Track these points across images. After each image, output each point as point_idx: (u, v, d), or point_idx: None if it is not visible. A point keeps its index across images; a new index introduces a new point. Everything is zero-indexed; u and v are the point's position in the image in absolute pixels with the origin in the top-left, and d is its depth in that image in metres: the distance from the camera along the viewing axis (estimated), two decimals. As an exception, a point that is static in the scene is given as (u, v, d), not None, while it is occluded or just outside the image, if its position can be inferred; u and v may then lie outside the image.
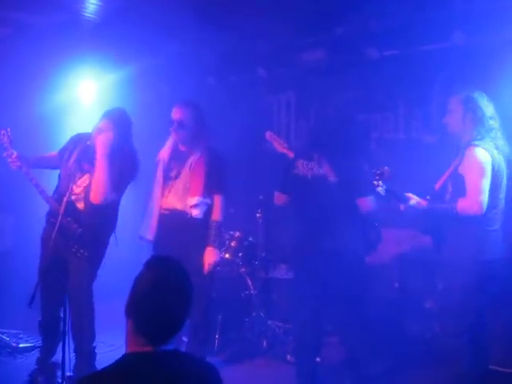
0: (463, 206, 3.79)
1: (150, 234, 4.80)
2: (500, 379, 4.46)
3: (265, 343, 5.71)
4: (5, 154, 4.49)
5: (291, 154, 4.95)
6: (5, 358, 5.44)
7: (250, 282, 6.04)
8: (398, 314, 5.50)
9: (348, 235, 4.24)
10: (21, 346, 5.63)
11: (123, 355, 2.08)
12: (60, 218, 4.30)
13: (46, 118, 6.77)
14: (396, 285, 5.61)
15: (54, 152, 4.91)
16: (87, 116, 7.08)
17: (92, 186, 4.51)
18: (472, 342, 3.86)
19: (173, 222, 4.73)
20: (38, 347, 5.52)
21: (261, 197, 6.09)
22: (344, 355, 5.33)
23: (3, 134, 4.51)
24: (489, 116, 3.97)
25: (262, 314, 5.88)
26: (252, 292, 6.01)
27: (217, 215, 4.75)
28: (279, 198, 4.80)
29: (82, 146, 4.62)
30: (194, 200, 4.68)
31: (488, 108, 4.00)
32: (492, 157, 3.84)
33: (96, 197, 4.47)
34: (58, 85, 6.94)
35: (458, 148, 4.05)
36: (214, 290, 4.95)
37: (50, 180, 4.82)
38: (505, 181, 3.91)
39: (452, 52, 5.52)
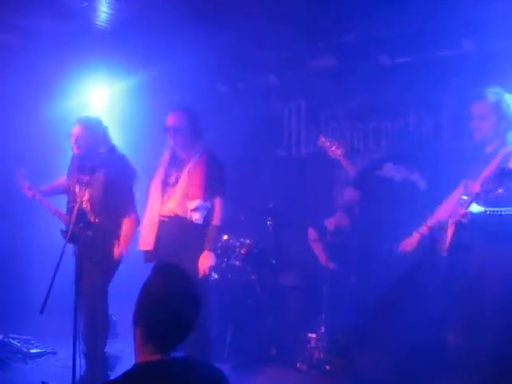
0: None
1: (150, 245, 4.73)
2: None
3: (274, 351, 5.69)
4: (19, 187, 5.01)
5: (345, 162, 4.95)
6: (16, 363, 5.47)
7: (259, 289, 6.03)
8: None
9: None
10: (32, 351, 5.66)
11: (134, 365, 2.08)
12: (71, 226, 4.34)
13: (58, 125, 6.80)
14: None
15: (63, 176, 5.11)
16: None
17: (92, 206, 4.73)
18: None
19: (173, 228, 4.68)
20: (49, 353, 5.58)
21: (271, 205, 6.09)
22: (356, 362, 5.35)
23: (19, 172, 5.02)
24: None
25: (271, 321, 5.87)
26: (262, 299, 6.00)
27: (217, 220, 4.69)
28: (351, 194, 4.84)
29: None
30: (193, 203, 4.64)
31: None
32: None
33: (97, 217, 4.73)
34: (70, 92, 6.98)
35: (476, 151, 4.13)
36: (219, 295, 4.89)
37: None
38: None
39: (463, 59, 5.51)
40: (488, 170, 4.02)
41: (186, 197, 4.66)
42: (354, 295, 5.38)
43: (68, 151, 5.12)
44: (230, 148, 6.92)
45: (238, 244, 6.04)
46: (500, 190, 3.90)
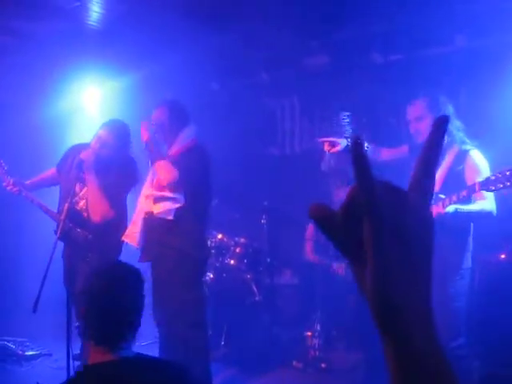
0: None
1: (136, 242, 4.53)
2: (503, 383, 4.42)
3: (269, 349, 5.69)
4: (4, 184, 4.75)
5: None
6: (11, 365, 5.45)
7: (255, 288, 6.03)
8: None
9: None
10: (27, 353, 5.64)
11: (82, 366, 2.09)
12: (61, 224, 4.33)
13: (50, 125, 6.80)
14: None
15: (52, 169, 4.97)
16: (91, 122, 7.12)
17: (89, 206, 4.58)
18: None
19: (147, 223, 4.47)
20: (44, 355, 5.57)
21: (265, 203, 6.08)
22: (351, 360, 5.35)
23: (0, 169, 4.77)
24: (452, 113, 4.01)
25: (266, 319, 5.87)
26: (257, 298, 6.00)
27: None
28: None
29: (78, 157, 4.64)
30: (147, 191, 4.44)
31: (450, 106, 4.06)
32: None
33: (94, 216, 4.56)
34: (62, 92, 6.97)
35: None
36: (214, 294, 4.71)
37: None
38: None
39: (456, 55, 5.51)
40: (442, 172, 3.93)
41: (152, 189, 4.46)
42: (349, 292, 5.37)
43: (61, 150, 5.11)
44: (224, 147, 6.92)
45: (232, 243, 6.04)
46: None
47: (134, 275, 2.23)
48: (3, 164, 4.79)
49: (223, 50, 6.52)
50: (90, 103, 7.41)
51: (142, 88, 6.96)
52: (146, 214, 4.45)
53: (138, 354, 2.15)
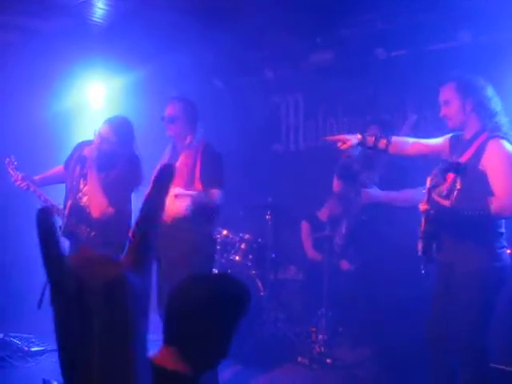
0: (500, 206, 3.40)
1: None
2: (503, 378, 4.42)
3: (274, 345, 5.69)
4: (12, 180, 4.75)
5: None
6: (17, 362, 5.45)
7: (260, 284, 6.04)
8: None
9: None
10: (32, 349, 5.65)
11: None
12: (65, 220, 4.36)
13: (56, 121, 6.81)
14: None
15: (60, 166, 4.99)
16: (96, 119, 7.13)
17: (89, 202, 4.59)
18: None
19: (165, 219, 4.33)
20: (50, 351, 5.57)
21: (270, 199, 6.09)
22: (356, 356, 5.37)
23: (8, 162, 4.78)
24: (489, 97, 3.62)
25: (272, 315, 5.88)
26: (262, 293, 6.01)
27: (211, 195, 4.41)
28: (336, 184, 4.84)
29: (82, 153, 4.65)
30: (174, 190, 4.35)
31: (486, 89, 3.67)
32: None
33: (94, 212, 4.55)
34: (67, 89, 6.99)
35: (460, 142, 3.76)
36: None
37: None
38: None
39: (460, 51, 5.51)
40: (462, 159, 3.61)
41: (173, 186, 4.38)
42: (354, 288, 5.38)
43: (66, 148, 5.12)
44: (228, 143, 6.92)
45: (237, 239, 6.06)
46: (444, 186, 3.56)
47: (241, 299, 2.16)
48: (13, 159, 4.79)
49: (227, 47, 6.53)
50: (94, 100, 7.42)
51: (147, 84, 6.98)
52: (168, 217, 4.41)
53: None
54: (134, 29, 5.89)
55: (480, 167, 3.50)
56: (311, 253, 6.30)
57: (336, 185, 5.38)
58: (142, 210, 0.79)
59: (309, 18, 5.81)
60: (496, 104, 3.65)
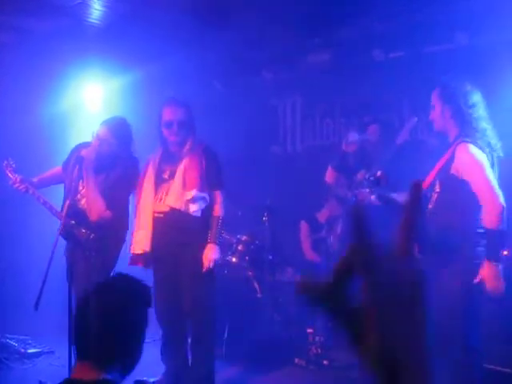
0: (489, 218, 3.49)
1: (147, 246, 4.55)
2: (499, 379, 4.41)
3: (271, 346, 5.69)
4: (10, 183, 4.71)
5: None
6: (13, 363, 5.45)
7: (256, 286, 6.04)
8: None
9: None
10: (29, 351, 5.65)
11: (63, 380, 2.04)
12: (62, 221, 4.37)
13: (52, 123, 6.81)
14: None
15: (58, 167, 4.99)
16: (93, 121, 7.12)
17: (86, 204, 4.60)
18: None
19: (170, 224, 4.51)
20: (46, 352, 5.57)
21: (267, 201, 6.08)
22: (353, 358, 5.36)
23: (6, 165, 4.76)
24: (470, 104, 3.68)
25: (268, 317, 5.88)
26: (259, 295, 6.01)
27: (218, 210, 4.55)
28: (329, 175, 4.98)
29: (80, 155, 4.65)
30: (190, 194, 4.46)
31: (469, 96, 3.70)
32: (486, 154, 3.58)
33: (91, 215, 4.56)
34: (63, 90, 6.98)
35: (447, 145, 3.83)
36: (217, 291, 4.70)
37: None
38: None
39: (456, 53, 5.52)
40: (437, 165, 3.76)
41: (184, 189, 4.50)
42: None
43: (63, 148, 5.12)
44: (226, 145, 6.90)
45: (234, 240, 6.05)
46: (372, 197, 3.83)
47: (140, 293, 2.13)
48: (11, 162, 4.77)
49: (225, 49, 6.53)
50: (91, 101, 7.41)
51: (144, 86, 6.97)
52: (162, 212, 4.51)
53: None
54: (131, 30, 5.89)
55: (452, 172, 3.62)
56: (309, 254, 6.30)
57: (329, 176, 5.36)
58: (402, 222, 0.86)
59: (306, 19, 5.81)
60: (477, 111, 3.70)
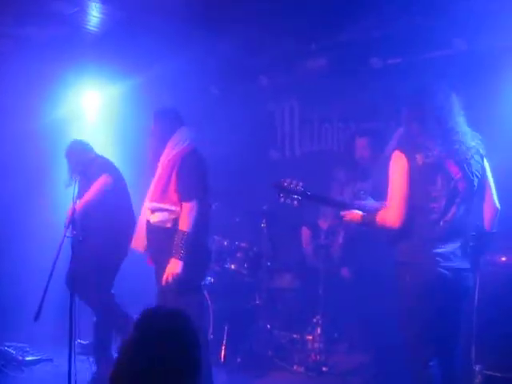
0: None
1: (139, 246, 4.62)
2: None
3: (271, 353, 5.68)
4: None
5: None
6: (11, 371, 5.43)
7: (255, 293, 6.03)
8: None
9: None
10: (27, 359, 5.62)
11: None
12: (64, 230, 4.43)
13: (49, 130, 6.81)
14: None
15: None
16: (91, 127, 7.13)
17: None
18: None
19: (149, 231, 4.52)
20: (44, 360, 5.56)
21: (265, 207, 6.07)
22: (353, 364, 5.36)
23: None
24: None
25: (267, 324, 5.87)
26: (258, 302, 6.00)
27: (182, 225, 4.29)
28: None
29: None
30: (151, 204, 4.46)
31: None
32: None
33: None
34: (62, 97, 6.98)
35: None
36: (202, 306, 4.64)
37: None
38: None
39: (454, 59, 5.52)
40: None
41: (149, 200, 4.52)
42: (349, 296, 5.37)
43: (61, 154, 5.32)
44: (224, 150, 6.92)
45: (233, 247, 6.04)
46: None
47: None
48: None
49: (222, 55, 6.54)
50: (89, 108, 7.42)
51: (142, 93, 6.98)
52: (147, 222, 4.52)
53: None
54: (129, 37, 5.89)
55: None
56: (311, 260, 6.27)
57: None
58: None
59: (304, 25, 5.81)
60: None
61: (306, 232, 6.42)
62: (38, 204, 4.85)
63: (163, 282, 4.28)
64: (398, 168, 3.52)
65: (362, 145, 5.13)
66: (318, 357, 5.48)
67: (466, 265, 3.51)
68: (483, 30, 5.09)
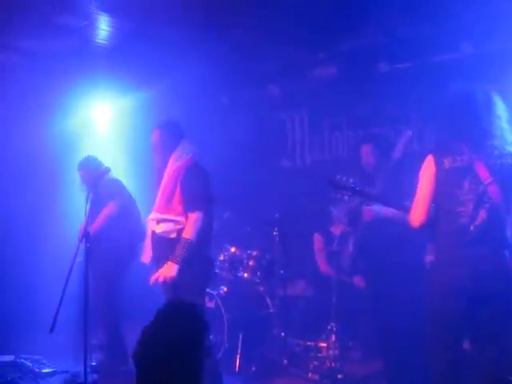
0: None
1: (145, 257, 4.67)
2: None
3: (285, 361, 5.67)
4: None
5: None
6: (27, 383, 5.45)
7: (268, 301, 6.02)
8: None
9: None
10: (43, 371, 5.65)
11: None
12: (78, 242, 4.47)
13: (60, 143, 6.87)
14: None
15: None
16: (101, 139, 7.18)
17: None
18: None
19: (154, 242, 4.58)
20: (60, 372, 5.59)
21: (277, 215, 6.08)
22: (367, 371, 5.33)
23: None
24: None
25: (281, 332, 5.86)
26: (271, 310, 6.00)
27: (187, 233, 4.32)
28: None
29: None
30: (152, 215, 4.55)
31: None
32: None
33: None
34: (72, 110, 7.04)
35: None
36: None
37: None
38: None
39: (463, 62, 5.52)
40: None
41: (154, 211, 4.58)
42: (363, 303, 5.36)
43: (71, 166, 5.38)
44: (234, 159, 6.95)
45: (245, 256, 6.04)
46: None
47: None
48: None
49: (232, 64, 6.56)
50: (100, 121, 7.47)
51: (152, 105, 7.01)
52: (152, 233, 4.57)
53: None
54: (138, 49, 5.93)
55: None
56: (324, 267, 6.26)
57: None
58: None
59: (312, 33, 5.83)
60: None
61: (318, 239, 6.41)
62: (49, 215, 4.90)
63: (150, 281, 4.37)
64: (426, 172, 3.58)
65: (366, 151, 5.12)
66: (333, 364, 5.45)
67: (497, 268, 3.47)
68: (490, 33, 5.09)
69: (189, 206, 4.39)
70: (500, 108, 3.59)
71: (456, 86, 3.78)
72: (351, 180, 4.13)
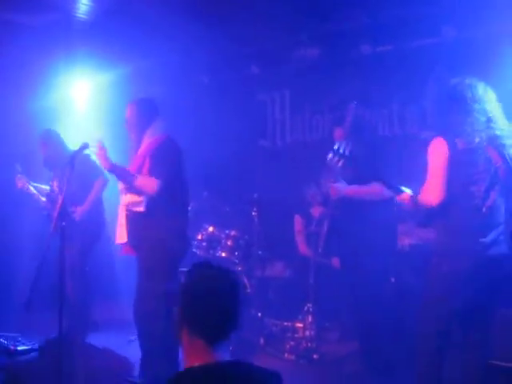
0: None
1: (124, 238, 4.63)
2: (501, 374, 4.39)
3: (262, 341, 5.69)
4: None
5: None
6: (3, 361, 5.42)
7: (246, 281, 6.03)
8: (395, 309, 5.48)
9: None
10: (19, 348, 5.61)
11: (185, 370, 2.13)
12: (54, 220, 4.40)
13: (39, 118, 6.78)
14: (392, 280, 5.57)
15: None
16: (80, 115, 7.11)
17: None
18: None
19: (128, 219, 4.59)
20: (36, 350, 5.55)
21: (255, 195, 6.06)
22: (343, 352, 5.38)
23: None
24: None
25: (258, 312, 5.87)
26: (249, 290, 6.00)
27: (139, 181, 4.44)
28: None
29: None
30: (120, 184, 4.57)
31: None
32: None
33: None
34: (51, 85, 6.95)
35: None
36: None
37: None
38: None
39: (445, 46, 5.53)
40: None
41: None
42: (340, 283, 5.39)
43: None
44: (214, 139, 6.91)
45: (223, 235, 6.03)
46: None
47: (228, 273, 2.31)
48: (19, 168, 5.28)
49: (213, 44, 6.51)
50: (79, 96, 7.39)
51: (132, 81, 6.95)
52: (125, 208, 4.56)
53: (237, 360, 2.25)
54: (119, 25, 5.87)
55: None
56: (303, 248, 6.28)
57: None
58: None
59: (294, 14, 5.80)
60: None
61: (298, 220, 6.42)
62: (27, 192, 4.84)
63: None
64: (437, 153, 3.61)
65: (339, 134, 5.11)
66: (309, 344, 5.49)
67: (506, 251, 3.58)
68: (472, 17, 5.11)
69: (151, 172, 4.42)
70: (495, 100, 3.69)
71: (457, 77, 3.83)
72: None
